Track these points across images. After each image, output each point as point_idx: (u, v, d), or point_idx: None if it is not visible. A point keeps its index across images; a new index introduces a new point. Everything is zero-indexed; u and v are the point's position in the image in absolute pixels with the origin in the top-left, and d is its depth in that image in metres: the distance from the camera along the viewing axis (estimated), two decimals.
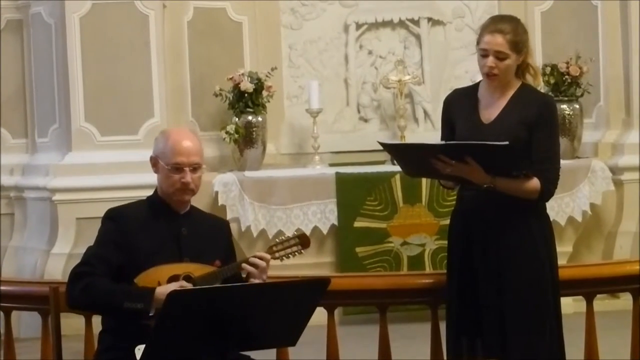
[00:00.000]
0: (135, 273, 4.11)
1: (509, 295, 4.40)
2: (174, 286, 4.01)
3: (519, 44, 4.44)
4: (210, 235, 4.31)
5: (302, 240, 4.34)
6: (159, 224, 4.24)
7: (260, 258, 4.22)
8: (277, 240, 4.37)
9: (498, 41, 4.40)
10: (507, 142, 4.24)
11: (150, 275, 4.11)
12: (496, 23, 4.45)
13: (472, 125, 4.46)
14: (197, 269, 4.16)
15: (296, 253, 4.32)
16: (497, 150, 4.25)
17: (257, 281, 4.18)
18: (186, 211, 4.30)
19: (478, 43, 4.48)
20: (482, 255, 4.44)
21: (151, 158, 4.30)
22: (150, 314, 3.99)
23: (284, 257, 4.33)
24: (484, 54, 4.43)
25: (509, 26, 4.43)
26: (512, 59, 4.43)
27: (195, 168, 4.22)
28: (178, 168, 4.19)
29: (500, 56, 4.41)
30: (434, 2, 8.72)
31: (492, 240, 4.43)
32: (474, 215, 4.47)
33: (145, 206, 4.30)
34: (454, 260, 4.54)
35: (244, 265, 4.21)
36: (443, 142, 4.39)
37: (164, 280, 4.10)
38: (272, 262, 4.28)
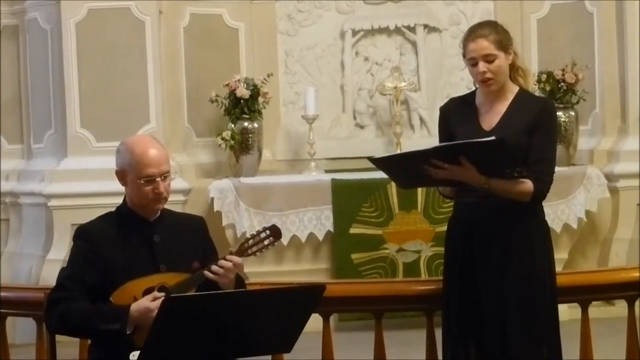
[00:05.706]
0: (112, 289, 4.06)
1: (509, 301, 4.39)
2: (146, 300, 3.99)
3: (503, 41, 4.46)
4: (185, 236, 4.24)
5: (273, 232, 4.24)
6: (131, 236, 4.16)
7: (230, 261, 4.12)
8: (247, 236, 4.30)
9: (483, 45, 4.42)
10: (494, 137, 4.23)
11: (126, 291, 4.06)
12: (475, 30, 4.49)
13: (473, 132, 4.43)
14: (172, 278, 4.10)
15: (269, 247, 4.23)
16: (488, 147, 4.23)
17: (224, 281, 4.09)
18: (156, 217, 4.22)
19: (464, 56, 4.50)
20: (484, 262, 4.42)
21: (117, 172, 4.18)
22: (128, 332, 3.96)
23: (257, 252, 4.24)
24: (473, 63, 4.45)
25: (487, 29, 4.47)
26: (501, 58, 4.44)
27: (165, 176, 4.14)
28: (149, 180, 4.11)
29: (489, 59, 4.42)
30: (430, 9, 8.73)
31: (493, 247, 4.42)
32: (474, 222, 4.46)
33: (115, 218, 4.23)
34: (454, 267, 4.52)
35: (213, 268, 4.10)
36: (433, 145, 4.34)
37: (140, 294, 4.05)
38: (254, 259, 4.22)
